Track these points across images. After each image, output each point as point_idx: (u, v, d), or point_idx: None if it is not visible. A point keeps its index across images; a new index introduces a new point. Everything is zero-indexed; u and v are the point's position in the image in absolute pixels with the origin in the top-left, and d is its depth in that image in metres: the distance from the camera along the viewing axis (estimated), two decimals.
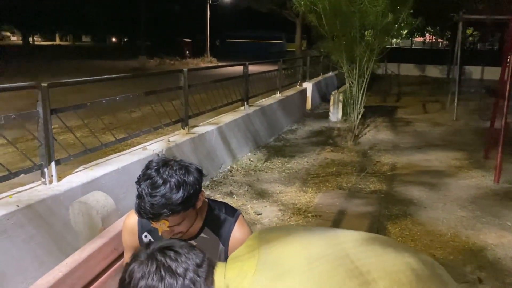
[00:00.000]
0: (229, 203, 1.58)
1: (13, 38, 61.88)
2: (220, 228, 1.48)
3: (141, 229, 1.53)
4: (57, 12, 35.54)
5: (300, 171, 5.39)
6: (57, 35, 61.77)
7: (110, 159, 3.51)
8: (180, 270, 0.96)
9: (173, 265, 0.97)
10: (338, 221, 3.90)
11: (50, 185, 2.82)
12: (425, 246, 3.46)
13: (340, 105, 8.72)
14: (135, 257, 1.02)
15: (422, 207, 4.27)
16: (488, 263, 3.19)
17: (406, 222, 3.91)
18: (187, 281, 0.95)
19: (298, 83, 9.90)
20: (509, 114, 5.25)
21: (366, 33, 6.92)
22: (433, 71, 19.63)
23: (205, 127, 5.12)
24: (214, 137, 5.17)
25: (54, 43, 60.01)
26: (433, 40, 33.05)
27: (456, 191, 4.74)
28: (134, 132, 3.99)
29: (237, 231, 1.47)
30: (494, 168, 5.07)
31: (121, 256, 1.73)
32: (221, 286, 0.97)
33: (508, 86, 5.16)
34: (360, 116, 7.02)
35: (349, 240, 0.96)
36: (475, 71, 17.40)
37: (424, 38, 32.37)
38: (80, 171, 3.14)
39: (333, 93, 9.06)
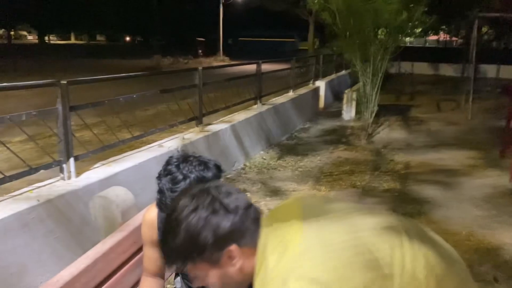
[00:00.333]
0: None
1: (30, 37, 62.96)
2: None
3: (161, 223, 1.56)
4: (73, 12, 36.08)
5: (313, 169, 5.40)
6: (72, 34, 62.63)
7: (127, 155, 3.57)
8: (232, 207, 0.97)
9: (226, 200, 0.97)
10: None
11: (69, 181, 2.88)
12: None
13: (354, 103, 8.68)
14: (184, 193, 1.03)
15: (436, 206, 4.24)
16: (504, 263, 3.16)
17: (421, 220, 3.88)
18: (237, 218, 0.96)
19: (311, 82, 9.88)
20: None
21: (379, 31, 6.89)
22: (448, 69, 19.33)
23: (219, 125, 5.16)
24: (228, 135, 5.21)
25: (70, 42, 60.88)
26: (447, 38, 32.63)
27: (471, 190, 4.69)
28: (150, 129, 4.04)
29: None
30: (510, 167, 5.02)
31: (140, 249, 1.76)
32: (268, 232, 0.96)
33: None
34: (373, 115, 6.99)
35: (367, 228, 0.94)
36: (490, 70, 17.16)
37: (438, 36, 32.05)
38: (98, 167, 3.20)
39: (346, 91, 9.02)
